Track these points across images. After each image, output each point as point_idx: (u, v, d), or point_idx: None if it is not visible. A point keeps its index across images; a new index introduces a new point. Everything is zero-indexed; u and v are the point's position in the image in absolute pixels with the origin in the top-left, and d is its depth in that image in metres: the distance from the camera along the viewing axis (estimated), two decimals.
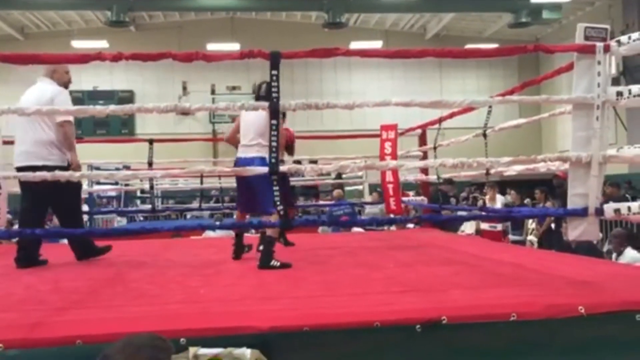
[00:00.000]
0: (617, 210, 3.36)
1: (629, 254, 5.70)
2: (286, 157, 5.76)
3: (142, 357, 1.72)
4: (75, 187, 4.50)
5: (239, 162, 4.29)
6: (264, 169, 3.48)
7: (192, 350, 2.19)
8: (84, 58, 3.03)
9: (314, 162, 8.33)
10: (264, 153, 3.88)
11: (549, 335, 2.46)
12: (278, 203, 3.39)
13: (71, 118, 4.39)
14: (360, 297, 2.89)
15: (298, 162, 6.81)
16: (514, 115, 12.23)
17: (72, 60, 3.13)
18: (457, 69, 21.05)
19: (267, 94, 3.54)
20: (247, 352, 2.20)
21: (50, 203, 4.53)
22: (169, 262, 4.63)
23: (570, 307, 2.49)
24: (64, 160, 4.40)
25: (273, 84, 3.11)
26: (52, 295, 3.09)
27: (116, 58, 3.01)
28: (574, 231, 3.48)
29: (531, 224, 9.50)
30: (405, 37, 20.78)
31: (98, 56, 3.01)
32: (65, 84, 4.62)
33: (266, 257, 4.05)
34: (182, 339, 2.24)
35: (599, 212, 3.37)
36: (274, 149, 3.19)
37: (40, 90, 4.47)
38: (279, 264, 4.02)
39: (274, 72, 3.10)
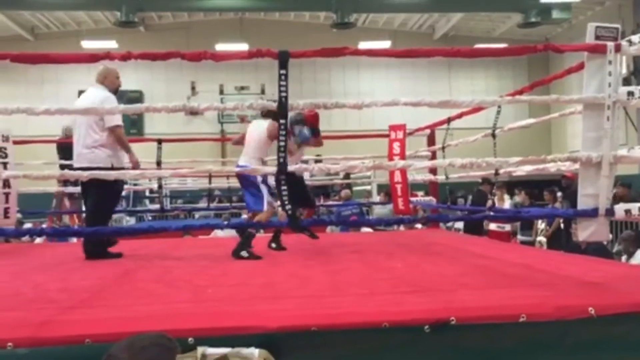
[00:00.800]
0: (627, 211, 3.33)
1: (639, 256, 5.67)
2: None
3: (147, 356, 1.72)
4: (110, 187, 4.65)
5: (237, 168, 4.78)
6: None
7: (200, 349, 2.19)
8: (93, 58, 3.03)
9: (319, 161, 8.32)
10: (253, 163, 4.75)
11: (558, 337, 2.45)
12: (286, 203, 3.38)
13: (121, 122, 4.71)
14: (368, 297, 2.88)
15: (305, 162, 6.78)
16: (523, 115, 12.15)
17: (81, 59, 3.14)
18: (465, 69, 20.96)
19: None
20: (255, 351, 2.20)
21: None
22: (177, 261, 4.65)
23: (580, 308, 2.47)
24: (109, 163, 4.68)
25: (281, 83, 3.10)
26: (61, 294, 3.10)
27: (125, 57, 3.02)
28: (584, 232, 3.45)
29: (541, 224, 9.46)
30: (413, 37, 20.72)
31: (107, 56, 3.02)
32: (115, 90, 4.91)
33: (239, 248, 4.59)
34: (190, 339, 2.24)
35: (610, 212, 3.35)
36: (282, 149, 3.19)
37: (92, 96, 4.75)
38: (247, 255, 4.54)
39: (283, 71, 3.10)
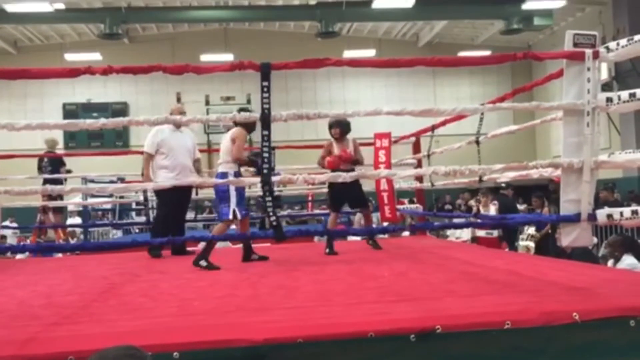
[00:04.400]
0: (609, 216, 3.36)
1: (627, 260, 5.69)
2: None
3: None
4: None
5: (216, 176, 5.09)
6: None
7: None
8: (73, 72, 3.02)
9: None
10: (225, 169, 4.96)
11: (543, 343, 2.45)
12: (271, 213, 3.38)
13: (147, 149, 5.83)
14: (355, 306, 2.88)
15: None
16: (507, 121, 12.27)
17: (61, 75, 3.12)
18: (450, 76, 21.11)
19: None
20: None
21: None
22: (163, 274, 4.61)
23: (564, 313, 2.49)
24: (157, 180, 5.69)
25: (264, 95, 3.11)
26: (45, 311, 3.06)
27: (106, 72, 3.01)
28: (567, 237, 3.48)
29: (527, 230, 9.49)
30: (398, 46, 20.85)
31: (87, 70, 3.00)
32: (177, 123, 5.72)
33: (199, 256, 4.72)
34: (175, 353, 2.22)
35: (592, 217, 3.38)
36: (265, 160, 3.19)
37: None
38: (205, 264, 4.64)
39: (265, 83, 3.11)
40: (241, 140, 4.96)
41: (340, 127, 5.69)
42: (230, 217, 4.89)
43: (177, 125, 5.90)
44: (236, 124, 5.00)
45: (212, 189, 5.38)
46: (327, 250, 5.58)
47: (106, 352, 1.76)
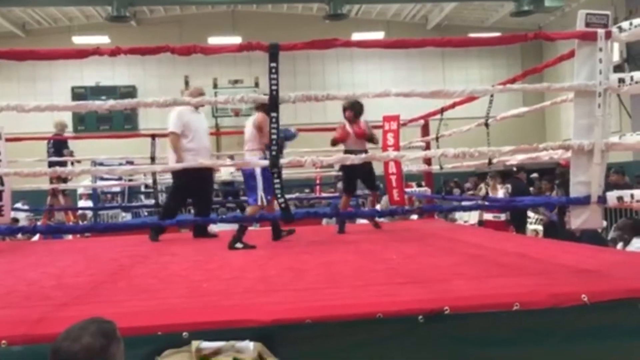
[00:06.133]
0: (620, 198, 3.34)
1: (637, 244, 5.66)
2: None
3: (89, 332, 1.75)
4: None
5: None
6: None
7: (194, 344, 2.19)
8: (81, 53, 3.02)
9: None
10: (251, 156, 5.12)
11: (552, 324, 2.45)
12: (279, 195, 3.38)
13: (175, 129, 5.73)
14: (363, 288, 2.88)
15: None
16: (517, 104, 12.14)
17: (70, 55, 3.12)
18: (459, 58, 20.91)
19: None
20: (250, 345, 2.20)
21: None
22: (172, 256, 4.64)
23: (573, 295, 2.48)
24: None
25: (272, 76, 3.09)
26: (55, 291, 3.09)
27: (114, 53, 3.00)
28: (577, 219, 3.46)
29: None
30: (407, 28, 20.67)
31: (96, 51, 3.00)
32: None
33: (232, 241, 4.84)
34: (184, 333, 2.24)
35: (602, 200, 3.36)
36: (273, 142, 3.18)
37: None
38: (241, 245, 4.78)
39: (273, 64, 3.09)
40: (267, 127, 4.90)
41: (354, 109, 5.88)
42: (259, 202, 5.08)
43: (196, 107, 5.84)
44: (257, 108, 5.08)
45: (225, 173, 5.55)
46: (339, 230, 5.85)
47: (74, 325, 1.80)
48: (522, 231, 8.73)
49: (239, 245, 4.82)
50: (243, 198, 10.47)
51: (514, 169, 9.32)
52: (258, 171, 5.02)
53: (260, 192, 5.05)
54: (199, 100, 3.56)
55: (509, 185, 9.11)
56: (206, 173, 5.87)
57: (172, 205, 6.09)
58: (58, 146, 8.86)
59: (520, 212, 8.77)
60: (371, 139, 6.08)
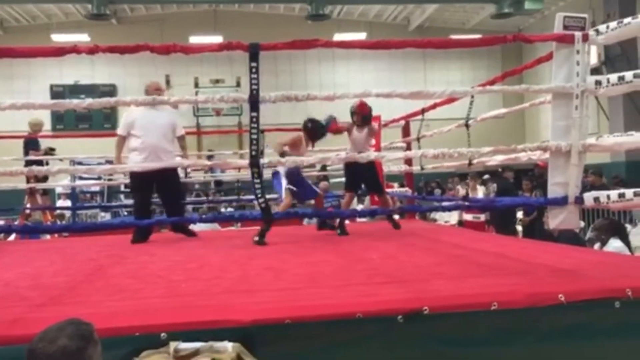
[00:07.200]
0: (597, 199, 3.38)
1: (614, 244, 5.73)
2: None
3: (66, 334, 1.73)
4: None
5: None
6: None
7: (172, 344, 2.17)
8: (59, 51, 2.98)
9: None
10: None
11: (530, 324, 2.48)
12: (259, 195, 3.37)
13: (119, 131, 5.58)
14: (343, 288, 2.88)
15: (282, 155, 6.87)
16: (497, 106, 12.24)
17: (47, 53, 3.08)
18: (441, 60, 21.04)
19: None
20: (228, 345, 2.18)
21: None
22: (151, 256, 4.59)
23: (550, 295, 2.51)
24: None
25: (253, 76, 3.08)
26: (32, 292, 3.04)
27: (92, 51, 2.96)
28: (555, 220, 3.50)
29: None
30: (389, 29, 20.74)
31: (74, 49, 2.96)
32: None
33: (258, 234, 5.02)
34: (162, 334, 2.22)
35: (579, 200, 3.40)
36: (254, 142, 3.17)
37: None
38: (257, 239, 4.95)
39: (254, 64, 3.08)
40: (302, 147, 5.56)
41: (362, 115, 6.02)
42: (283, 196, 5.48)
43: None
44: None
45: (203, 173, 5.60)
46: (339, 232, 5.78)
47: (50, 327, 1.78)
48: (506, 232, 8.61)
49: (256, 238, 4.98)
50: (244, 197, 10.60)
51: (500, 169, 9.36)
52: (281, 171, 5.50)
53: (283, 190, 5.46)
54: (177, 100, 3.53)
55: (494, 185, 9.13)
56: (156, 175, 5.34)
57: (136, 207, 5.92)
58: (26, 145, 8.71)
59: (503, 213, 8.71)
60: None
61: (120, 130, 5.58)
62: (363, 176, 6.04)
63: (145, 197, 5.74)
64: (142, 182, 5.55)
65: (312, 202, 6.20)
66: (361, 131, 5.98)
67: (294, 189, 5.56)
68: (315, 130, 5.67)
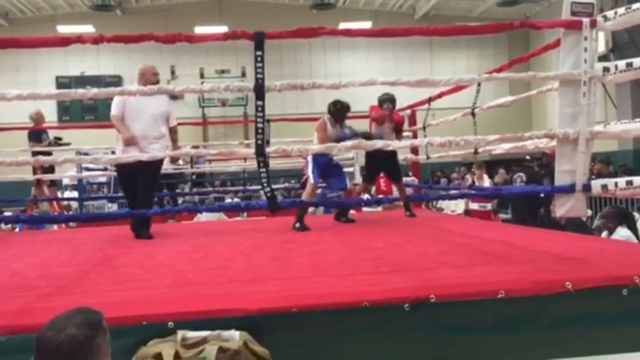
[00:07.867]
0: (604, 187, 3.36)
1: (621, 232, 5.71)
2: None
3: (75, 323, 1.72)
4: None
5: None
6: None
7: (180, 333, 2.18)
8: (64, 41, 2.97)
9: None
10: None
11: (536, 311, 2.47)
12: (265, 185, 3.37)
13: (115, 112, 5.08)
14: (349, 277, 2.88)
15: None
16: (504, 94, 12.18)
17: (52, 43, 3.07)
18: (447, 49, 20.95)
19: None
20: (235, 334, 2.19)
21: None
22: (158, 246, 4.61)
23: (557, 283, 2.50)
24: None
25: (258, 64, 3.07)
26: (39, 282, 3.06)
27: (97, 41, 2.96)
28: (562, 208, 3.49)
29: None
30: (394, 17, 20.64)
31: (78, 39, 2.95)
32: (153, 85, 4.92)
33: (296, 220, 5.35)
34: (170, 323, 2.23)
35: (587, 188, 3.38)
36: (260, 131, 3.16)
37: None
38: (298, 225, 5.27)
39: (259, 52, 3.07)
40: (324, 132, 5.73)
41: (393, 103, 6.26)
42: (312, 181, 5.69)
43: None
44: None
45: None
46: (344, 219, 6.00)
47: (59, 316, 1.78)
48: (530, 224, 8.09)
49: (296, 225, 5.23)
50: (250, 187, 10.67)
51: (527, 157, 9.27)
52: (309, 158, 5.76)
53: (311, 174, 5.69)
54: (183, 89, 3.53)
55: (522, 174, 8.93)
56: (137, 166, 4.58)
57: (126, 199, 5.52)
58: (33, 137, 8.70)
59: (530, 205, 8.24)
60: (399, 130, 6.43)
61: (115, 111, 5.07)
62: (385, 164, 6.22)
63: (128, 190, 5.29)
64: (121, 173, 5.28)
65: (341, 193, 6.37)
66: (391, 121, 6.24)
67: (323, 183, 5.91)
68: (342, 111, 5.88)
